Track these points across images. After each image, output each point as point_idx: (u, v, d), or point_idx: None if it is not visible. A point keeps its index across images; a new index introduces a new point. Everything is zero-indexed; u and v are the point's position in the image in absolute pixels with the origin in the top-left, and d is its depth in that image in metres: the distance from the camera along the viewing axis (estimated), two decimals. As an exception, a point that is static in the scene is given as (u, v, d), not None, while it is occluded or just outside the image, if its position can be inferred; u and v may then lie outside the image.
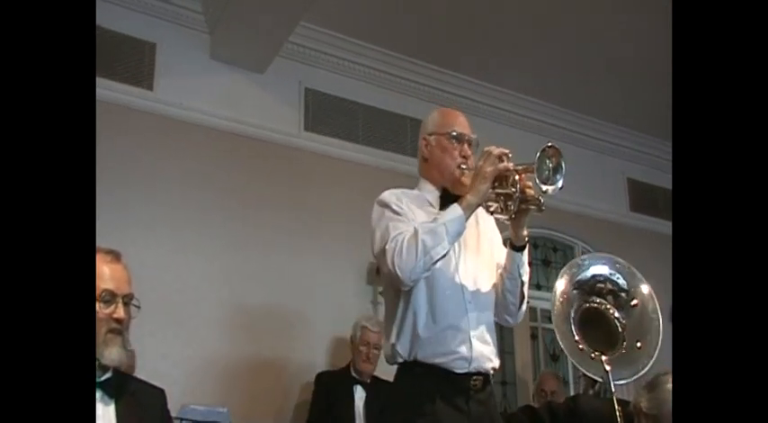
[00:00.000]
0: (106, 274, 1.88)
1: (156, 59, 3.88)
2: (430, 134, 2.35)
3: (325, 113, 4.35)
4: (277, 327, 3.69)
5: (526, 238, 2.18)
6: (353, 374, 3.58)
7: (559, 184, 2.03)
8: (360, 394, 3.55)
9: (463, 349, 2.10)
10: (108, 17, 3.66)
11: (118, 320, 1.85)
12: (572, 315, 4.09)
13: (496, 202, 2.14)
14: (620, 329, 4.14)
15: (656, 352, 4.08)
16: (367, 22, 4.25)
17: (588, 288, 4.24)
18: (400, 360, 2.16)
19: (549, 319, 4.18)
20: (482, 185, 2.07)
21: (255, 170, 3.99)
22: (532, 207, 2.08)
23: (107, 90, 3.63)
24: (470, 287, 2.19)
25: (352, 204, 3.89)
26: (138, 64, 3.84)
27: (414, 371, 2.13)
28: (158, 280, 3.48)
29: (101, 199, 3.28)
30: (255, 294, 3.75)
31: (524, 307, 2.27)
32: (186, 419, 2.43)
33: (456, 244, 2.18)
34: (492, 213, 2.18)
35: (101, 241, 1.99)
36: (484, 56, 4.53)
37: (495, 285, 2.26)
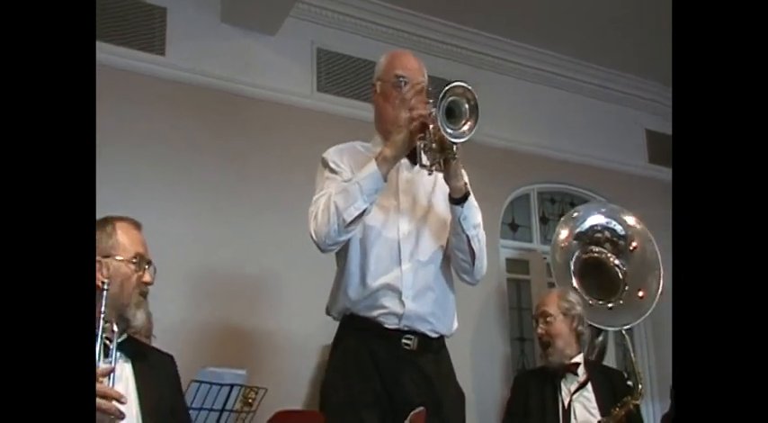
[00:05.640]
0: (137, 239, 1.96)
1: (168, 24, 3.86)
2: (377, 80, 2.20)
3: (338, 74, 4.32)
4: (295, 291, 3.72)
5: (465, 189, 1.97)
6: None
7: (465, 127, 1.83)
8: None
9: (393, 305, 1.97)
10: (117, -17, 3.63)
11: (147, 284, 1.95)
12: (572, 267, 4.10)
13: (424, 151, 1.92)
14: (620, 276, 4.14)
15: (658, 293, 4.08)
16: (378, -22, 4.19)
17: (587, 238, 4.24)
18: (339, 318, 2.09)
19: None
20: (398, 136, 1.89)
21: (268, 132, 3.98)
22: (449, 156, 1.88)
23: (119, 57, 3.64)
24: (409, 245, 2.03)
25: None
26: (149, 29, 3.82)
27: (351, 324, 2.03)
28: (179, 247, 3.52)
29: (114, 167, 3.31)
30: (274, 259, 3.78)
31: (480, 264, 2.07)
32: (204, 382, 2.47)
33: (401, 200, 2.06)
34: (422, 167, 1.95)
35: (119, 210, 2.05)
36: (500, 10, 4.44)
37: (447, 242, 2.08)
